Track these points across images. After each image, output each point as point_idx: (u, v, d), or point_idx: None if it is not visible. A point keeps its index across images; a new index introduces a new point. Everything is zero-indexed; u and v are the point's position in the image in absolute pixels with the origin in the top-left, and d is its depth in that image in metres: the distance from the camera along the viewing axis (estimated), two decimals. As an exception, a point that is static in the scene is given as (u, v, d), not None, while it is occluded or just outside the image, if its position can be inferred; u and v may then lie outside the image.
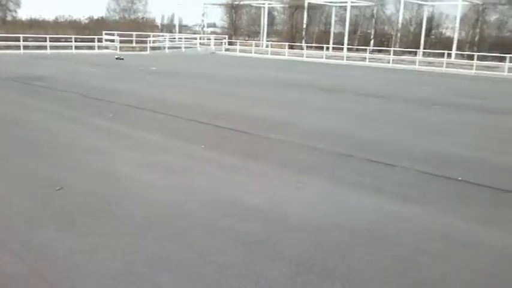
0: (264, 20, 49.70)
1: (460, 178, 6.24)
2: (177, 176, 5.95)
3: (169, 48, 38.94)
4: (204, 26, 57.08)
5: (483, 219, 4.89)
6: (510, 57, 30.99)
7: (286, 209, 4.89)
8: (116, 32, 36.72)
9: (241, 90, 16.04)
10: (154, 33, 43.61)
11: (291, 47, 42.91)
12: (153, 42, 38.42)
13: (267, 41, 47.64)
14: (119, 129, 8.62)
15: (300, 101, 13.77)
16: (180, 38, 42.75)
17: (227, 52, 43.24)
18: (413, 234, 4.40)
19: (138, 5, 57.64)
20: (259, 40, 48.99)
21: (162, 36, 43.04)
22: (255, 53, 41.64)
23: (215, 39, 45.34)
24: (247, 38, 53.82)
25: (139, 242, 4.00)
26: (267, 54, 41.26)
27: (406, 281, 3.55)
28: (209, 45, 44.06)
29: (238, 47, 43.29)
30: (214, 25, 62.05)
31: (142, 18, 55.84)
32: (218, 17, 60.72)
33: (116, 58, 28.24)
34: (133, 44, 38.43)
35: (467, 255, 4.05)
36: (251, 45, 44.00)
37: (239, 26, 55.29)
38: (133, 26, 43.92)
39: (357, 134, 8.99)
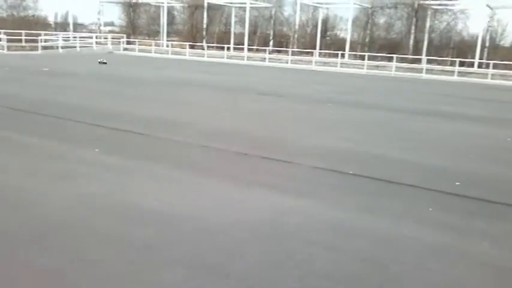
0: (164, 19, 48.91)
1: (351, 172, 6.58)
2: (67, 182, 5.64)
3: (63, 47, 36.92)
4: (100, 24, 54.88)
5: (368, 208, 5.20)
6: (396, 57, 33.39)
7: (182, 211, 4.84)
8: (2, 31, 34.14)
9: (138, 90, 15.63)
10: (46, 32, 41.07)
11: (192, 47, 42.69)
12: (45, 41, 36.17)
13: (168, 40, 46.96)
14: None
15: (198, 101, 13.72)
16: (75, 37, 40.70)
17: (126, 52, 41.96)
18: (305, 227, 4.56)
19: (28, 1, 53.89)
20: (159, 40, 48.12)
21: (55, 35, 40.67)
22: (155, 52, 40.87)
23: (113, 38, 43.77)
24: (147, 38, 52.64)
25: (25, 256, 3.74)
26: (168, 54, 40.69)
27: (298, 273, 3.66)
28: (106, 44, 42.44)
29: (137, 47, 42.20)
30: (112, 24, 59.90)
31: (33, 15, 52.27)
32: (116, 15, 58.67)
33: (99, 62, 26.44)
34: (23, 43, 35.92)
35: (353, 243, 4.27)
36: (151, 45, 43.10)
37: (138, 25, 53.87)
38: (23, 24, 40.94)
39: (253, 133, 9.15)
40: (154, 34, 53.33)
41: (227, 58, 38.31)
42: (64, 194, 5.15)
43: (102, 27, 55.30)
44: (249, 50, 42.48)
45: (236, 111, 12.06)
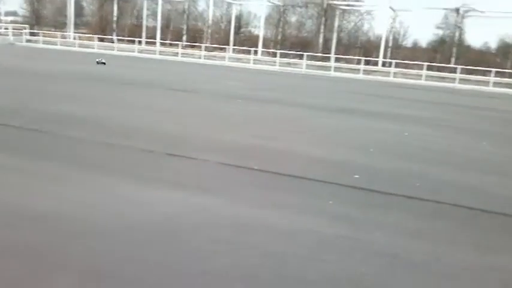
0: (71, 10, 46.56)
1: (256, 167, 6.62)
2: None
3: (-46, 37, 33.92)
4: (0, 13, 51.11)
5: (271, 204, 5.25)
6: (307, 55, 34.39)
7: (75, 212, 4.58)
8: None
9: (34, 84, 14.72)
10: None
11: (101, 40, 41.06)
12: None
13: (75, 32, 44.77)
14: None
15: (103, 96, 13.19)
16: (-30, 26, 37.58)
17: (29, 43, 39.46)
18: (207, 225, 4.50)
19: None
20: (66, 31, 45.75)
21: None
22: (61, 45, 38.82)
23: (14, 29, 40.95)
24: (53, 29, 49.84)
25: None
26: (75, 46, 38.83)
27: (197, 272, 3.60)
28: (7, 35, 39.60)
29: (41, 38, 39.83)
30: (14, 13, 55.90)
31: None
32: (18, 4, 54.92)
33: (97, 62, 23.90)
34: None
35: (254, 239, 4.28)
36: (56, 37, 40.86)
37: (43, 15, 50.86)
38: None
39: (160, 129, 8.94)
40: (61, 26, 50.62)
41: (138, 52, 37.31)
42: None
43: (2, 17, 51.52)
44: (162, 44, 41.66)
45: (143, 107, 11.73)
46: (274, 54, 36.98)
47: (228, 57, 35.49)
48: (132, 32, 46.43)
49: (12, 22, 48.10)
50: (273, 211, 5.04)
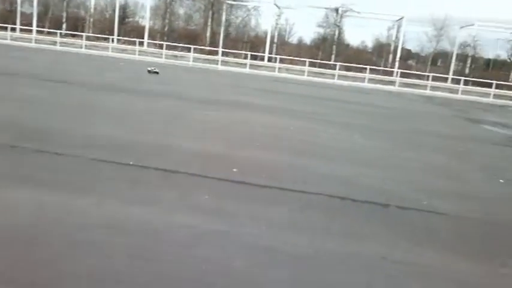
0: None
1: (131, 163, 6.34)
2: None
3: None
4: None
5: (144, 200, 5.03)
6: (194, 48, 34.13)
7: None
8: None
9: None
10: None
11: (-35, 25, 37.15)
12: None
13: None
14: None
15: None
16: None
17: None
18: (72, 225, 4.19)
19: None
20: None
21: None
22: None
23: None
24: None
25: None
26: None
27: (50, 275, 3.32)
28: None
29: None
30: None
31: None
32: None
33: (149, 71, 20.23)
34: None
35: (124, 239, 4.06)
36: None
37: None
38: None
39: (29, 123, 8.23)
40: None
41: (11, 40, 34.34)
42: None
43: None
44: (39, 32, 38.73)
45: (10, 99, 10.76)
46: (160, 46, 36.12)
47: (112, 48, 34.01)
48: (4, 18, 42.56)
49: None
50: (145, 208, 4.83)
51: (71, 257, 3.64)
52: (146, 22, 41.46)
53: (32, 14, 41.61)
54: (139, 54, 33.34)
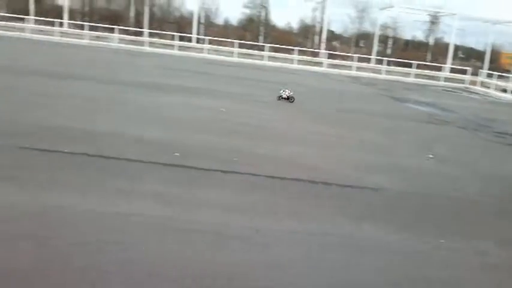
0: None
1: (66, 151, 6.08)
2: None
3: None
4: None
5: (66, 185, 4.86)
6: (119, 29, 32.90)
7: None
8: None
9: None
10: None
11: None
12: None
13: None
14: None
15: None
16: None
17: None
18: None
19: None
20: None
21: None
22: None
23: None
24: None
25: None
26: None
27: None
28: None
29: None
30: None
31: None
32: None
33: (283, 98, 14.27)
34: None
35: (63, 227, 3.91)
36: None
37: None
38: None
39: None
40: None
41: None
42: None
43: None
44: None
45: None
46: (82, 27, 34.45)
47: (30, 29, 31.99)
48: None
49: None
50: (80, 196, 4.66)
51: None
52: (65, 1, 39.25)
53: None
54: (60, 36, 31.64)
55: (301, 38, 50.30)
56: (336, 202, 5.43)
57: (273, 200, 5.23)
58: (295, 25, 52.15)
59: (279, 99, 13.17)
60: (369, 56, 36.62)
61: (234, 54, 32.35)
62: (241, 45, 33.51)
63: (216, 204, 4.89)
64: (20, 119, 7.71)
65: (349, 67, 32.61)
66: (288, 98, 13.07)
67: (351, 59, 34.26)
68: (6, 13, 36.61)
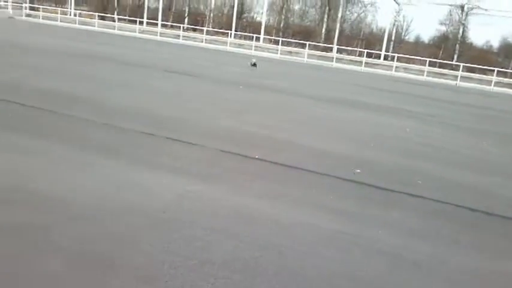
0: (72, -14, 46.01)
1: (257, 156, 6.53)
2: None
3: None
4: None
5: (269, 194, 5.16)
6: (309, 44, 34.14)
7: (74, 194, 4.48)
8: None
9: (31, 59, 14.50)
10: None
11: (102, 18, 40.63)
12: None
13: (76, 9, 44.28)
14: None
15: (99, 76, 13.01)
16: (-31, -3, 37.04)
17: (28, 18, 38.96)
18: (206, 213, 4.42)
19: None
20: (66, 8, 45.22)
21: None
22: (61, 21, 38.36)
23: (14, 3, 40.42)
24: (53, 5, 49.30)
25: None
26: (75, 23, 38.38)
27: (194, 263, 3.52)
28: (6, 8, 39.12)
29: (41, 13, 39.33)
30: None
31: None
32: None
33: (252, 65, 22.21)
34: None
35: (252, 230, 4.20)
36: (57, 13, 40.37)
37: (43, -11, 50.40)
38: None
39: (159, 112, 8.82)
40: (62, 2, 50.09)
41: (139, 33, 36.94)
42: None
43: (2, -11, 50.97)
44: (163, 26, 41.25)
45: (142, 89, 11.57)
46: (276, 42, 36.67)
47: (230, 43, 35.20)
48: (133, 12, 45.95)
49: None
50: (270, 202, 4.96)
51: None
52: (263, 18, 42.24)
53: (157, 8, 44.34)
54: (255, 50, 34.11)
55: (502, 57, 45.87)
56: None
57: (459, 231, 4.89)
58: (495, 43, 47.76)
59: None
60: None
61: (423, 73, 30.96)
62: (432, 64, 31.89)
63: (396, 226, 4.76)
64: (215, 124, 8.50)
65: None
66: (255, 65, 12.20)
67: None
68: (213, 28, 40.77)
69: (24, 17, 38.73)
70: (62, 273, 3.17)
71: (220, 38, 37.41)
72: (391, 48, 40.43)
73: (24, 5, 40.34)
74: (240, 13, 47.96)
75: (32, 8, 41.02)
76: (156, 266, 3.40)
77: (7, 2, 40.37)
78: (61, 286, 3.04)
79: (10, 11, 38.59)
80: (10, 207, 4.02)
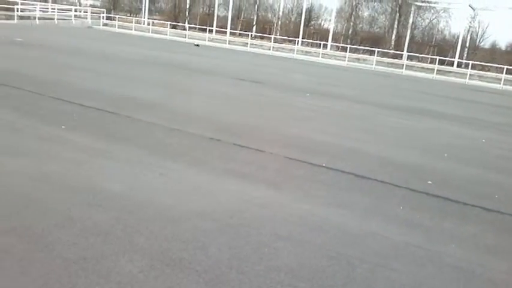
0: (146, -3, 47.98)
1: (324, 164, 6.47)
2: (29, 159, 5.38)
3: (39, 18, 35.81)
4: (80, -2, 53.61)
5: (337, 203, 5.09)
6: (378, 51, 33.45)
7: (145, 196, 4.65)
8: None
9: (109, 67, 15.20)
10: (23, 1, 39.75)
11: (173, 27, 42.00)
12: (21, 11, 35.02)
13: (149, 19, 46.09)
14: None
15: (172, 82, 13.42)
16: (53, 9, 39.53)
17: (105, 27, 41.00)
18: (273, 220, 4.42)
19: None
20: (140, 17, 47.20)
21: (33, 5, 39.39)
22: (135, 30, 40.04)
23: (92, 13, 42.71)
24: (128, 15, 51.64)
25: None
26: (148, 32, 39.94)
27: (261, 268, 3.53)
28: (86, 18, 41.42)
29: (117, 23, 41.29)
30: (93, -2, 58.40)
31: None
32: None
33: (195, 45, 25.11)
34: (-1, 12, 34.75)
35: (320, 238, 4.15)
36: (131, 22, 42.23)
37: (120, 1, 52.89)
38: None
39: (227, 118, 8.97)
40: (136, 11, 52.38)
41: (209, 41, 37.80)
42: (23, 171, 4.91)
43: (82, 1, 54.04)
44: (232, 34, 41.99)
45: (211, 95, 11.81)
46: (343, 49, 36.26)
47: (297, 50, 35.20)
48: (203, 21, 47.15)
49: (90, 6, 50.22)
50: (339, 211, 4.89)
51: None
52: (331, 25, 41.96)
53: (226, 17, 45.24)
54: (322, 57, 33.91)
55: None
56: None
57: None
58: None
59: None
60: None
61: (500, 81, 29.42)
62: (509, 71, 30.22)
63: (470, 241, 4.53)
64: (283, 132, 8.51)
65: None
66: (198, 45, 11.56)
67: None
68: (280, 35, 40.99)
69: (101, 26, 40.78)
70: (142, 271, 3.29)
71: (287, 45, 37.52)
72: (465, 55, 38.78)
73: (101, 15, 42.47)
74: (308, 20, 47.92)
75: (108, 18, 43.13)
76: (224, 270, 3.44)
77: (86, 12, 42.71)
78: (134, 285, 3.14)
79: (89, 20, 40.80)
80: (101, 209, 4.24)
